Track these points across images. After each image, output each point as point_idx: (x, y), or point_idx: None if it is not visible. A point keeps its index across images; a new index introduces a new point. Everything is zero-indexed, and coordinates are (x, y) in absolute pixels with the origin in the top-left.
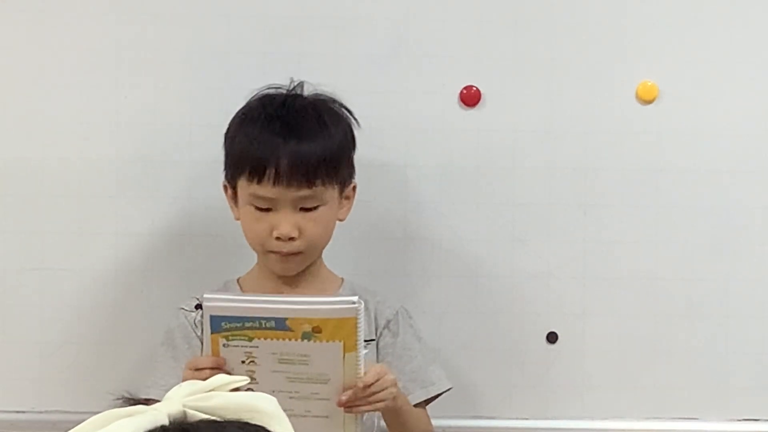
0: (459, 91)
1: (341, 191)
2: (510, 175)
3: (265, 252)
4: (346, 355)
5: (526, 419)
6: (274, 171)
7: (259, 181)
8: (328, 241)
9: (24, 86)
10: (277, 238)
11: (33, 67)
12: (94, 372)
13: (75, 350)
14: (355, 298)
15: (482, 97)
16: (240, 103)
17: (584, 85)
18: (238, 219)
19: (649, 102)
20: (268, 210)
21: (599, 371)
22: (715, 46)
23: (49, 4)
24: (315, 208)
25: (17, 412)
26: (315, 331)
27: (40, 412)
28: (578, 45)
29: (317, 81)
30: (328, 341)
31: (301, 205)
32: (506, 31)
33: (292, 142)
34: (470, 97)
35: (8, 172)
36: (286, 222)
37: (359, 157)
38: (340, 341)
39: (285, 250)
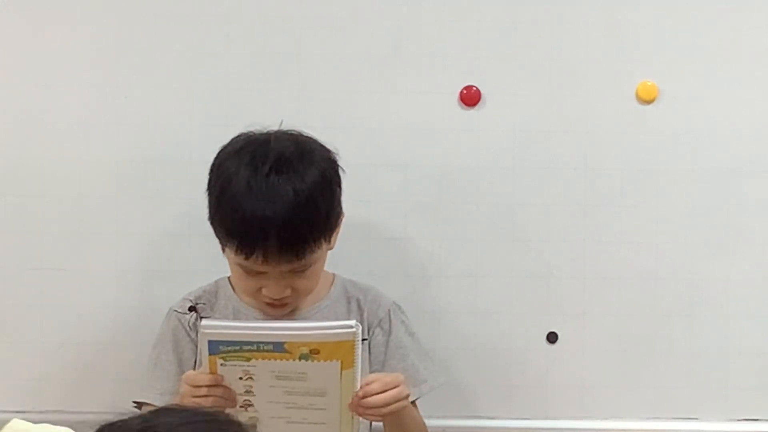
0: (459, 91)
1: (330, 238)
2: (510, 175)
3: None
4: (344, 372)
5: (526, 419)
6: (262, 252)
7: (247, 258)
8: (319, 280)
9: (24, 86)
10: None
11: (33, 67)
12: (94, 372)
13: (75, 350)
14: (352, 323)
15: (482, 97)
16: (240, 103)
17: (584, 85)
18: (224, 254)
19: (649, 102)
20: (257, 274)
21: (599, 371)
22: (715, 46)
23: (49, 4)
24: (305, 269)
25: (17, 412)
26: (313, 352)
27: (40, 412)
28: (578, 45)
29: (317, 81)
30: (325, 360)
31: (290, 270)
32: (506, 31)
33: (278, 222)
34: (470, 97)
35: (8, 172)
36: (276, 286)
37: (360, 156)
38: (337, 360)
39: (277, 305)
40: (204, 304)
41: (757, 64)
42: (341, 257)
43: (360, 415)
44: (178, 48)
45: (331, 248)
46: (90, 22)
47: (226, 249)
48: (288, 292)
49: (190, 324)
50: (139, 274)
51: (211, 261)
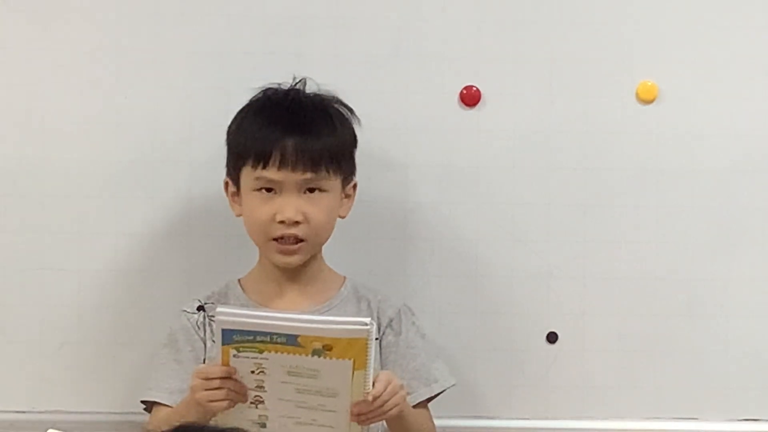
0: (459, 91)
1: (343, 185)
2: (510, 175)
3: (267, 241)
4: (356, 372)
5: (526, 419)
6: (279, 155)
7: (265, 166)
8: (329, 234)
9: (24, 86)
10: (281, 222)
11: (33, 67)
12: (94, 372)
13: (75, 350)
14: (367, 320)
15: (482, 97)
16: (240, 103)
17: (584, 85)
18: (239, 215)
19: (649, 102)
20: (272, 193)
21: (599, 371)
22: (715, 46)
23: (49, 4)
24: (319, 192)
25: (17, 412)
26: (326, 348)
27: (40, 412)
28: (578, 45)
29: (317, 81)
30: (338, 359)
31: (306, 187)
32: (506, 31)
33: (297, 129)
34: (470, 97)
35: (8, 172)
36: (290, 206)
37: (360, 156)
38: (350, 359)
39: (289, 233)
40: (213, 303)
41: (757, 64)
42: (341, 257)
43: (363, 423)
44: (178, 48)
45: (342, 216)
46: (90, 22)
47: (243, 175)
48: (300, 216)
49: (199, 323)
50: (139, 274)
51: (210, 261)
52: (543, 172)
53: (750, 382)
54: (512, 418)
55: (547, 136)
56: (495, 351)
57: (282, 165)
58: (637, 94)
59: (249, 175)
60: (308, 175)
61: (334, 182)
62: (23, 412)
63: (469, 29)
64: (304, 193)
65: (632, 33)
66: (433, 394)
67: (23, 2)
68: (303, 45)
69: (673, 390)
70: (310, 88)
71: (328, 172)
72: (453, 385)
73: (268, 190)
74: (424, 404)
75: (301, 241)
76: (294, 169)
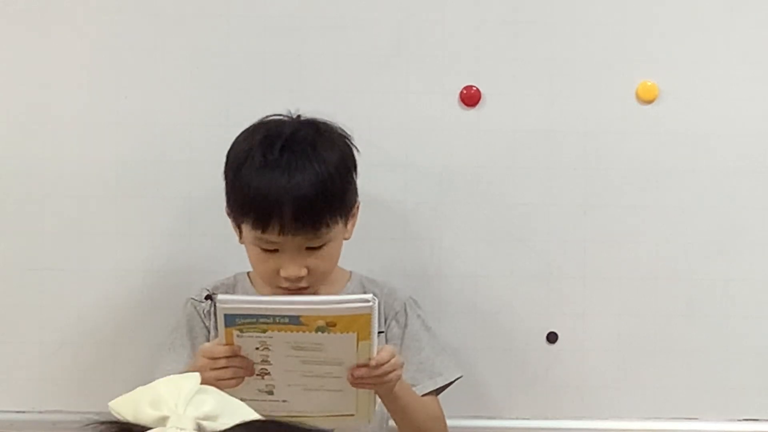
0: (459, 91)
1: (346, 220)
2: (510, 175)
3: (273, 287)
4: (360, 343)
5: (526, 419)
6: (278, 223)
7: (264, 231)
8: (336, 264)
9: (25, 86)
10: (285, 278)
11: (34, 67)
12: (94, 372)
13: (75, 350)
14: (369, 296)
15: (482, 97)
16: (240, 104)
17: (584, 85)
18: (242, 243)
19: (649, 102)
20: (274, 252)
21: (599, 371)
22: (715, 46)
23: (50, 4)
24: (321, 246)
25: (17, 412)
26: (329, 325)
27: (40, 412)
28: (578, 45)
29: (317, 81)
30: (342, 333)
31: (307, 245)
32: (506, 31)
33: (294, 192)
34: (470, 97)
35: (8, 172)
36: (293, 264)
37: (360, 156)
38: (354, 332)
39: (294, 287)
40: (219, 294)
41: (757, 64)
42: (341, 257)
43: (358, 386)
44: (178, 48)
45: (347, 238)
46: (90, 22)
47: (243, 228)
48: (304, 272)
49: (205, 312)
50: (139, 274)
51: (210, 261)
52: (543, 172)
53: (750, 382)
54: (512, 418)
55: (547, 136)
56: (495, 351)
57: (282, 232)
58: (637, 94)
59: (249, 232)
60: (309, 236)
61: (336, 229)
62: (23, 412)
63: (469, 29)
64: (307, 249)
65: (632, 33)
66: (437, 387)
67: (24, 2)
68: (303, 45)
69: (673, 390)
70: (306, 111)
71: (329, 227)
72: (459, 377)
73: (271, 250)
74: (431, 395)
75: (308, 286)
76: (294, 234)
